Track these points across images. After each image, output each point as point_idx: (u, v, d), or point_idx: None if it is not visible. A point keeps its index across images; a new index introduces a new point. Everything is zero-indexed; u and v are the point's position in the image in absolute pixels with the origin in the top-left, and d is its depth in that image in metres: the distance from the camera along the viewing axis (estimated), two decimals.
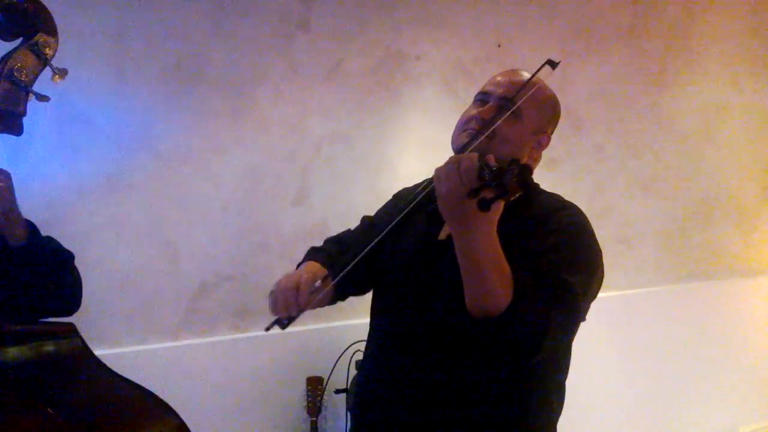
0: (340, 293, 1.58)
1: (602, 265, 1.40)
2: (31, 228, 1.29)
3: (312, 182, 2.80)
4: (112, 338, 2.48)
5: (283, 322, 1.39)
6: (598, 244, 1.40)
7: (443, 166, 1.18)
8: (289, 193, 2.77)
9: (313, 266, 1.49)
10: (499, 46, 3.02)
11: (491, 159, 1.12)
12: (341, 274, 1.36)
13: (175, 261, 2.61)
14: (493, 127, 1.36)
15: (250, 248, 2.72)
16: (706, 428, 3.45)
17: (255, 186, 2.72)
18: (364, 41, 2.84)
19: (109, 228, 2.51)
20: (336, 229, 2.75)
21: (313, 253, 1.63)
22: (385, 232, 1.39)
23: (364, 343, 2.56)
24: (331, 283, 1.38)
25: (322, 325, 2.79)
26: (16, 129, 1.28)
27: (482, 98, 1.48)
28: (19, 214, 1.25)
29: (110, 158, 2.53)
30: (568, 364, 1.48)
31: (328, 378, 2.68)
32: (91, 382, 1.17)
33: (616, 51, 3.19)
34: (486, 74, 2.99)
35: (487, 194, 1.01)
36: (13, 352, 1.12)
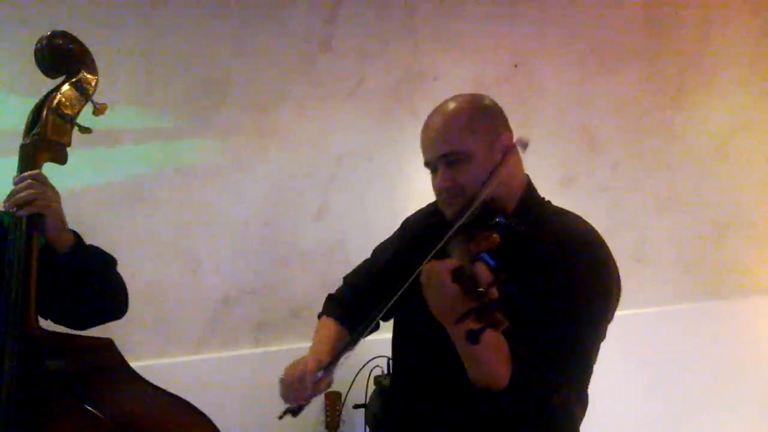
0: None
1: (616, 290, 1.40)
2: (76, 236, 1.35)
3: (332, 198, 2.85)
4: (135, 350, 2.49)
5: (294, 411, 1.48)
6: (609, 270, 1.39)
7: (431, 271, 1.17)
8: (310, 208, 2.83)
9: (327, 335, 1.60)
10: (516, 66, 3.07)
11: (477, 269, 1.08)
12: (361, 337, 1.44)
13: (198, 275, 2.66)
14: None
15: (271, 263, 2.77)
16: None
17: (277, 201, 2.77)
18: (385, 61, 2.90)
19: (134, 242, 2.57)
20: (354, 244, 2.83)
21: (330, 306, 1.70)
22: (399, 293, 1.37)
23: (383, 359, 2.63)
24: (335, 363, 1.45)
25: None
26: (62, 158, 1.37)
27: (432, 169, 1.47)
28: (65, 222, 1.31)
29: (137, 174, 2.60)
30: (590, 376, 1.47)
31: (347, 394, 2.71)
32: (129, 391, 1.23)
33: (632, 70, 3.22)
34: (505, 94, 3.01)
35: (473, 325, 1.01)
36: (58, 362, 1.17)
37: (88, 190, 2.51)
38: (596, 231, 1.44)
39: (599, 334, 1.37)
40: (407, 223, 1.73)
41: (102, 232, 2.59)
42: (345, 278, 1.80)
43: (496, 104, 1.51)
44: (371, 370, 2.64)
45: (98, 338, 1.27)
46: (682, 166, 3.35)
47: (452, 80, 2.99)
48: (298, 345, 2.77)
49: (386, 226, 2.86)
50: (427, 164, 1.47)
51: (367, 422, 2.64)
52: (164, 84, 2.60)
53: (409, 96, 2.92)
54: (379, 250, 1.76)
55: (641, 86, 3.25)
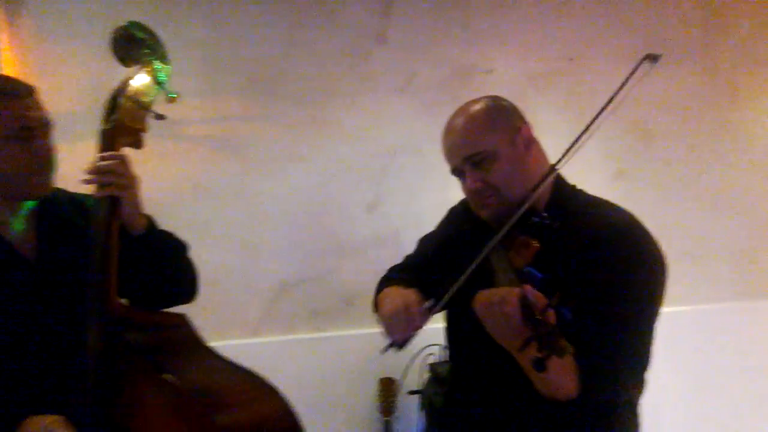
0: None
1: (662, 280, 1.38)
2: (150, 220, 1.44)
3: (384, 190, 2.92)
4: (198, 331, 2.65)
5: (399, 344, 1.40)
6: (654, 257, 1.37)
7: (489, 302, 1.16)
8: (363, 199, 2.90)
9: (407, 289, 1.50)
10: (570, 59, 3.08)
11: (528, 294, 1.08)
12: (443, 302, 1.38)
13: (257, 262, 2.78)
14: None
15: (325, 252, 2.87)
16: None
17: (331, 192, 2.86)
18: (438, 55, 2.95)
19: (195, 229, 2.66)
20: (406, 235, 2.90)
21: (390, 282, 1.66)
22: (478, 260, 1.34)
23: (436, 347, 2.68)
24: (437, 307, 1.39)
25: None
26: (139, 143, 1.44)
27: (458, 174, 1.48)
28: (141, 205, 1.39)
29: (198, 164, 2.73)
30: (651, 356, 1.42)
31: (402, 380, 2.78)
32: (202, 363, 1.31)
33: (687, 65, 3.19)
34: (558, 88, 3.10)
35: (538, 354, 1.02)
36: (136, 336, 1.26)
37: (153, 179, 2.63)
38: (635, 218, 1.42)
39: (652, 325, 1.36)
40: (453, 211, 1.75)
41: (166, 219, 2.73)
42: (392, 268, 1.81)
43: (508, 101, 1.52)
44: (426, 358, 2.70)
45: (174, 313, 1.36)
46: (737, 163, 3.30)
47: (505, 73, 3.02)
48: (352, 332, 2.90)
49: (438, 218, 2.92)
50: (454, 171, 1.49)
51: (421, 408, 2.70)
52: (224, 78, 2.72)
53: (461, 89, 2.96)
54: (424, 241, 1.79)
55: (696, 81, 3.22)
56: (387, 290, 1.57)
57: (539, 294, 1.09)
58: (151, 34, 1.46)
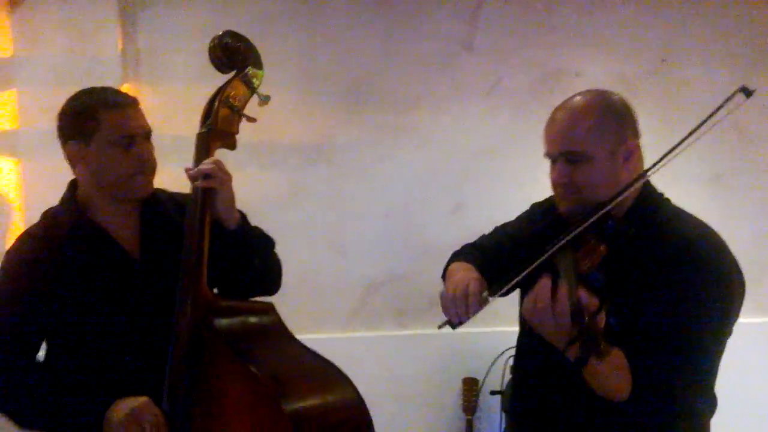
0: None
1: (742, 296, 1.37)
2: (243, 216, 1.57)
3: (469, 193, 2.97)
4: (291, 325, 2.80)
5: (455, 324, 1.45)
6: (738, 275, 1.36)
7: (537, 303, 1.19)
8: (448, 202, 2.97)
9: (473, 269, 1.55)
10: (663, 60, 3.02)
11: (582, 296, 1.11)
12: (501, 293, 1.41)
13: (346, 261, 2.91)
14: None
15: (411, 252, 2.96)
16: None
17: (417, 195, 2.95)
18: (525, 59, 2.97)
19: (290, 230, 2.85)
20: None
21: (459, 257, 1.71)
22: (545, 257, 1.34)
23: None
24: (494, 297, 1.42)
25: (480, 329, 2.94)
26: (232, 145, 1.56)
27: (551, 159, 1.46)
28: (234, 202, 1.51)
29: (292, 168, 2.90)
30: (714, 380, 1.43)
31: (484, 379, 2.82)
32: (285, 351, 1.43)
33: None
34: (650, 89, 3.04)
35: (581, 353, 1.06)
36: (224, 322, 1.39)
37: (253, 183, 2.83)
38: (717, 235, 1.40)
39: (719, 344, 1.35)
40: (534, 207, 1.76)
41: (264, 221, 2.91)
42: (465, 245, 1.82)
43: (626, 105, 1.46)
44: (507, 359, 2.74)
45: (261, 302, 1.48)
46: None
47: (594, 76, 3.00)
48: (436, 331, 2.95)
49: None
50: (547, 155, 1.47)
51: (503, 408, 2.73)
52: (320, 86, 2.87)
53: (548, 93, 2.97)
54: (501, 229, 1.80)
55: None
56: (457, 266, 1.62)
57: (593, 299, 1.11)
58: (245, 42, 1.58)
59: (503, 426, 2.75)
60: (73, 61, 2.67)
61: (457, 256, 1.72)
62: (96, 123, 1.46)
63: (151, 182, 1.54)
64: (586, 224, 1.31)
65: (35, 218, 1.59)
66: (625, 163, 1.39)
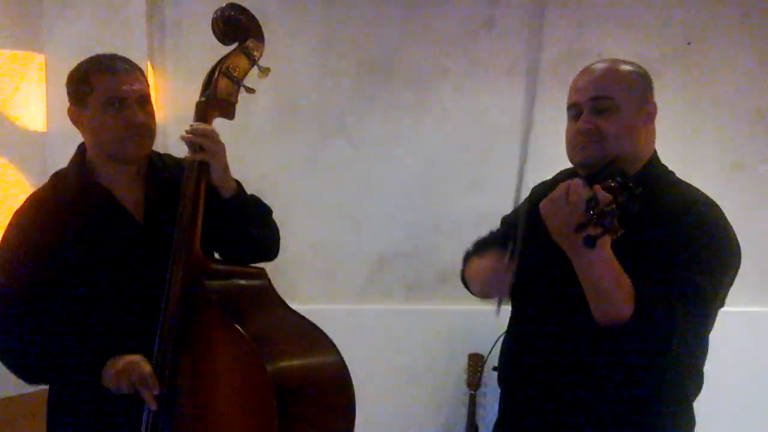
0: None
1: (739, 258, 1.43)
2: (239, 185, 1.62)
3: (486, 171, 2.98)
4: (305, 296, 2.87)
5: (500, 301, 1.53)
6: (732, 244, 1.42)
7: (551, 197, 1.28)
8: (464, 179, 2.99)
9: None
10: (689, 43, 2.97)
11: (598, 189, 1.18)
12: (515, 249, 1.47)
13: (360, 235, 2.97)
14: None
15: (424, 228, 2.99)
16: None
17: (432, 172, 2.98)
18: (546, 38, 2.95)
19: (305, 202, 2.92)
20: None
21: (471, 256, 1.81)
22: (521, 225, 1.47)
23: None
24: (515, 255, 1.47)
25: (486, 307, 2.96)
26: (230, 114, 1.60)
27: (574, 112, 1.54)
28: (229, 170, 1.56)
29: (310, 142, 2.95)
30: (705, 350, 1.49)
31: (488, 355, 2.86)
32: (272, 313, 1.49)
33: None
34: (674, 72, 2.99)
35: (592, 231, 1.11)
36: (215, 283, 1.46)
37: (270, 155, 2.89)
38: (717, 204, 1.47)
39: (719, 289, 1.39)
40: (534, 190, 1.83)
41: (279, 193, 2.99)
42: (476, 242, 1.90)
43: (650, 77, 1.57)
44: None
45: (254, 267, 1.54)
46: None
47: (616, 56, 2.96)
48: (445, 307, 3.01)
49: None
50: (571, 107, 1.55)
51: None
52: (338, 61, 2.91)
53: (568, 73, 2.93)
54: (505, 220, 1.87)
55: None
56: (476, 261, 1.73)
57: (606, 195, 1.17)
58: (247, 15, 1.61)
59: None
60: (101, 33, 2.76)
61: (468, 258, 1.82)
62: (89, 87, 1.52)
63: (144, 145, 1.58)
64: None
65: None
66: (645, 123, 1.49)
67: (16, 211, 1.59)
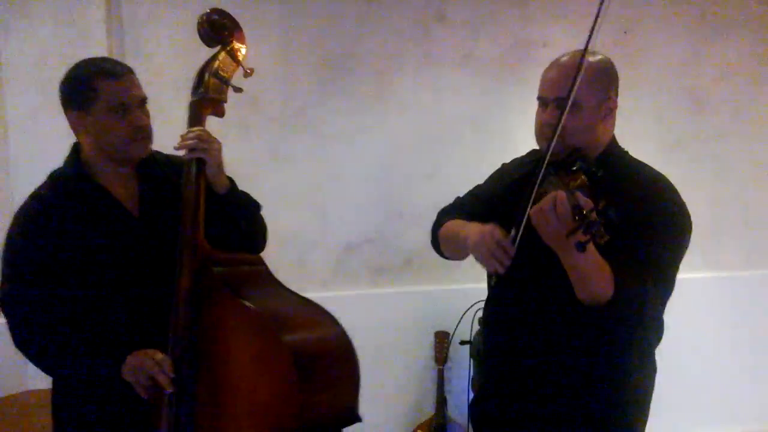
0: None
1: (691, 228, 1.59)
2: (231, 181, 1.72)
3: (443, 159, 3.15)
4: None
5: (501, 274, 1.54)
6: (685, 217, 1.59)
7: (541, 207, 1.39)
8: (423, 167, 3.14)
9: (489, 225, 1.62)
10: (625, 32, 3.19)
11: (579, 197, 1.31)
12: (522, 230, 1.52)
13: (326, 223, 3.08)
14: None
15: (388, 215, 3.14)
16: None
17: (394, 160, 3.12)
18: (495, 30, 3.13)
19: (273, 194, 2.98)
20: None
21: (449, 217, 1.84)
22: (535, 189, 1.51)
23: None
24: (519, 236, 1.53)
25: (449, 286, 3.15)
26: (220, 112, 1.71)
27: (542, 102, 1.63)
28: (223, 167, 1.65)
29: (274, 135, 3.04)
30: (664, 304, 1.63)
31: (454, 331, 3.02)
32: (275, 293, 1.60)
33: (742, 38, 3.23)
34: (613, 58, 3.16)
35: (581, 238, 1.26)
36: (221, 269, 1.55)
37: (236, 149, 2.94)
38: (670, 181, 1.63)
39: (679, 257, 1.57)
40: (505, 167, 1.93)
41: (247, 184, 3.04)
42: (445, 208, 1.96)
43: (614, 68, 1.66)
44: (476, 312, 2.94)
45: (252, 255, 1.65)
46: None
47: (561, 46, 3.09)
48: (410, 288, 3.17)
49: None
50: (540, 98, 1.64)
51: (471, 355, 2.97)
52: (299, 55, 3.00)
53: (517, 63, 3.13)
54: (475, 192, 1.95)
55: (750, 54, 3.26)
56: (453, 224, 1.75)
57: (588, 200, 1.31)
58: (231, 19, 1.72)
59: (472, 371, 2.96)
60: (60, 32, 2.77)
61: (444, 217, 1.86)
62: (94, 92, 1.57)
63: (147, 146, 1.66)
64: (552, 146, 1.51)
65: (21, 187, 1.70)
66: (604, 117, 1.61)
67: (18, 210, 1.64)
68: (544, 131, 1.61)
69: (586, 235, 1.26)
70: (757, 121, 3.30)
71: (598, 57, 1.65)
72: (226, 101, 1.70)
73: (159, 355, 1.50)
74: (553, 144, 1.52)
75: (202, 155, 1.58)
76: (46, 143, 2.37)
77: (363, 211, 3.11)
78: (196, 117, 1.65)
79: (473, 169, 3.13)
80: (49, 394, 1.69)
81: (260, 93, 2.93)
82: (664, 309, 1.65)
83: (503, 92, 3.15)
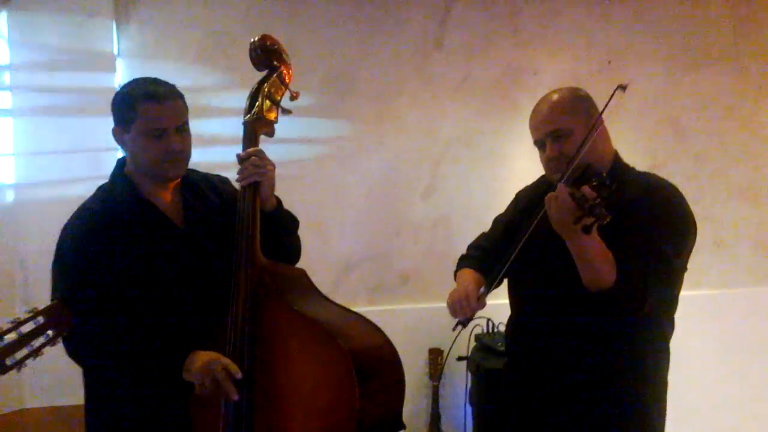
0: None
1: (695, 228, 1.74)
2: (278, 200, 1.77)
3: (439, 179, 3.26)
4: None
5: (464, 323, 1.80)
6: (688, 217, 1.73)
7: (550, 199, 1.54)
8: (419, 187, 3.25)
9: (472, 275, 1.89)
10: (609, 62, 3.37)
11: (586, 190, 1.44)
12: (497, 280, 1.76)
13: (327, 242, 3.13)
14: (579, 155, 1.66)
15: (385, 234, 3.22)
16: None
17: (392, 180, 3.22)
18: (490, 57, 3.27)
19: None
20: (457, 220, 3.25)
21: (464, 262, 2.02)
22: (521, 243, 1.71)
23: (483, 320, 3.01)
24: (489, 289, 1.77)
25: (444, 305, 3.22)
26: (271, 133, 1.79)
27: (540, 145, 1.78)
28: (274, 188, 1.73)
29: (277, 154, 3.06)
30: (677, 302, 1.80)
31: (450, 348, 3.09)
32: (322, 304, 1.67)
33: (717, 67, 3.45)
34: (598, 87, 3.33)
35: (587, 221, 1.41)
36: (277, 281, 1.61)
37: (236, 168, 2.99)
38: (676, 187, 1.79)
39: (681, 253, 1.69)
40: (519, 194, 2.06)
41: None
42: (470, 245, 2.11)
43: (586, 93, 1.84)
44: (472, 329, 3.02)
45: (297, 268, 1.72)
46: (763, 157, 3.56)
47: (550, 75, 3.33)
48: (406, 306, 3.24)
49: (486, 205, 3.25)
50: (536, 143, 1.79)
51: (467, 369, 3.01)
52: (302, 78, 3.04)
53: (510, 89, 3.28)
54: (497, 219, 2.09)
55: (725, 82, 3.48)
56: (460, 273, 1.95)
57: (591, 192, 1.44)
58: (279, 45, 1.80)
59: (468, 386, 3.02)
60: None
61: (463, 261, 2.02)
62: (135, 113, 1.62)
63: (180, 167, 1.70)
64: (571, 168, 1.62)
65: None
66: (597, 136, 1.73)
67: (67, 224, 1.65)
68: (552, 165, 1.76)
69: (591, 217, 1.40)
70: (729, 143, 3.51)
71: (568, 90, 1.82)
72: (276, 122, 1.76)
73: (226, 360, 1.53)
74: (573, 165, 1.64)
75: (257, 178, 1.64)
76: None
77: (363, 229, 3.18)
78: (251, 137, 1.72)
79: (468, 187, 3.30)
80: (45, 413, 1.70)
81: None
82: (676, 305, 1.80)
83: (496, 115, 3.29)
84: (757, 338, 3.54)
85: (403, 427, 1.63)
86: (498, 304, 3.12)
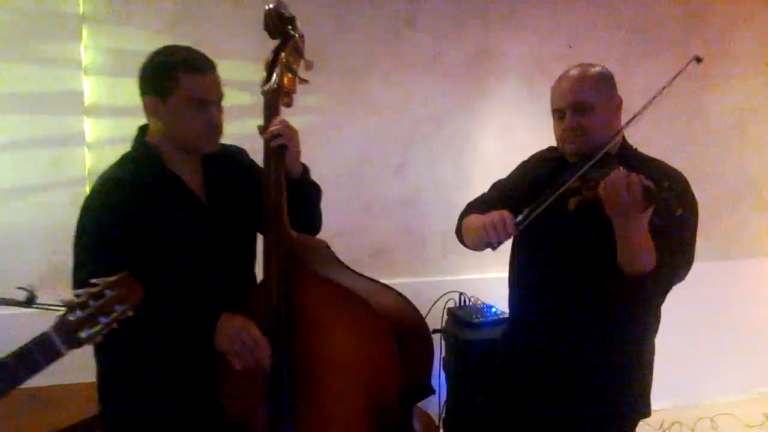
0: None
1: (698, 210, 1.84)
2: (305, 167, 1.76)
3: (409, 157, 3.31)
4: None
5: (494, 246, 1.71)
6: (696, 204, 1.83)
7: (613, 182, 1.55)
8: (390, 165, 3.29)
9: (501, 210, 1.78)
10: (570, 46, 3.50)
11: (647, 181, 1.51)
12: (531, 216, 1.70)
13: None
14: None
15: (357, 210, 3.25)
16: (729, 388, 3.96)
17: (363, 157, 3.24)
18: (459, 38, 3.33)
19: None
20: (426, 197, 3.30)
21: (471, 211, 1.98)
22: (557, 194, 1.69)
23: (455, 293, 3.09)
24: (526, 219, 1.71)
25: (418, 279, 3.30)
26: (290, 103, 1.76)
27: (558, 114, 1.82)
28: (300, 154, 1.71)
29: (250, 130, 3.00)
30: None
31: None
32: (349, 272, 1.72)
33: (667, 55, 3.65)
34: (558, 70, 3.49)
35: (656, 213, 1.47)
36: (306, 252, 1.62)
37: None
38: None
39: (695, 240, 1.80)
40: (526, 164, 2.08)
41: None
42: (471, 204, 2.08)
43: (611, 73, 1.91)
44: (446, 303, 3.10)
45: (321, 240, 1.73)
46: (705, 142, 3.80)
47: (515, 56, 3.43)
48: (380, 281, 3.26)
49: (454, 183, 3.35)
50: (555, 111, 1.83)
51: (445, 341, 3.07)
52: None
53: (478, 69, 3.36)
54: (498, 184, 2.10)
55: (674, 69, 3.68)
56: (475, 215, 1.88)
57: (651, 184, 1.50)
58: (290, 12, 1.76)
59: (442, 356, 3.06)
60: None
61: (468, 212, 2.01)
62: (175, 83, 1.57)
63: (217, 142, 1.69)
64: (601, 153, 1.71)
65: None
66: (615, 113, 1.86)
67: (90, 193, 1.60)
68: (567, 136, 1.81)
69: (660, 209, 1.47)
70: (675, 128, 3.73)
71: (598, 68, 1.89)
72: (295, 92, 1.73)
73: (256, 332, 1.52)
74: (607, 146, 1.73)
75: (285, 142, 1.62)
76: None
77: (334, 206, 3.14)
78: (272, 106, 1.70)
79: (437, 165, 3.35)
80: (39, 391, 1.65)
81: (237, 87, 2.93)
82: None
83: (466, 95, 3.37)
84: (691, 311, 3.75)
85: (434, 391, 1.67)
86: (469, 279, 3.28)
